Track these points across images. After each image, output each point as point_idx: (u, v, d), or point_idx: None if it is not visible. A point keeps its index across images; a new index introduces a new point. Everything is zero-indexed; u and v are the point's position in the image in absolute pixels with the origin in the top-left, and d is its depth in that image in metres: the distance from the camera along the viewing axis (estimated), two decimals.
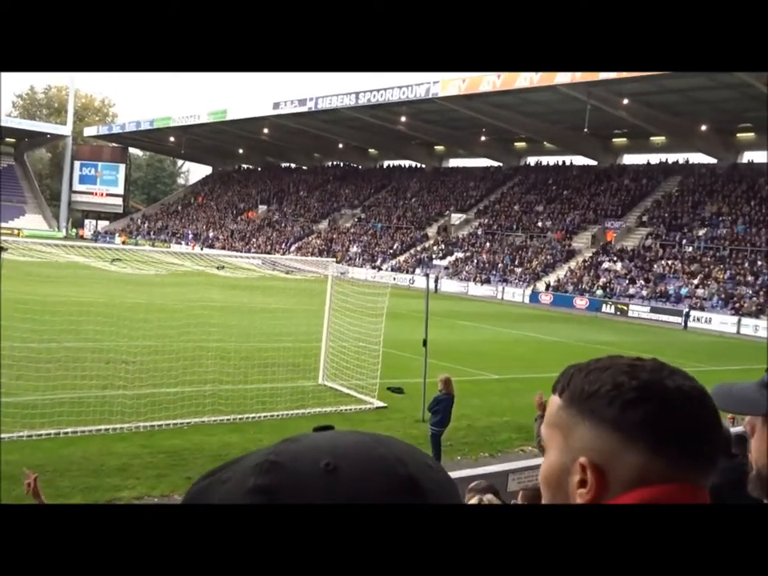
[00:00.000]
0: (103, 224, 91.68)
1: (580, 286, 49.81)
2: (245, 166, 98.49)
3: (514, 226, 60.49)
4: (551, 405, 1.12)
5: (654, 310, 44.63)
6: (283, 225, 76.79)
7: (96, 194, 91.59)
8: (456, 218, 64.91)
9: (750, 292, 43.60)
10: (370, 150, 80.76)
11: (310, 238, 71.39)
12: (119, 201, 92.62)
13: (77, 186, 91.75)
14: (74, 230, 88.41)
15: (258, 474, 0.71)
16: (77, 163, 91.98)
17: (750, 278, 44.85)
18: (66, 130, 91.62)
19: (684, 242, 50.69)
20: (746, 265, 46.26)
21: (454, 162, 77.33)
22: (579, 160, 66.18)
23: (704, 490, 1.03)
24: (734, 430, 5.06)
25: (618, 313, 45.31)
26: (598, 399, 1.04)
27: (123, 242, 72.01)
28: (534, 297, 49.91)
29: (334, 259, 21.69)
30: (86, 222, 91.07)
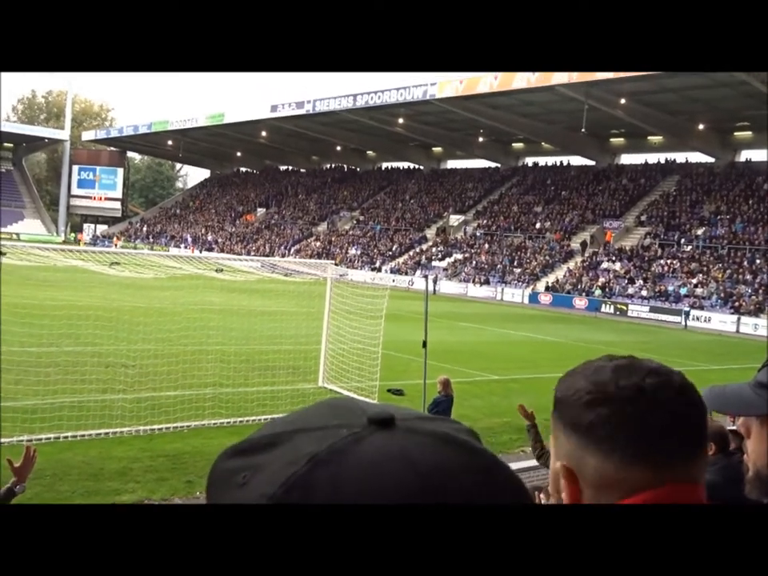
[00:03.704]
0: (102, 228, 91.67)
1: (579, 286, 49.82)
2: (243, 169, 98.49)
3: (513, 227, 60.51)
4: None
5: (653, 310, 44.63)
6: (282, 227, 76.80)
7: (94, 198, 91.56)
8: (454, 219, 64.93)
9: (749, 291, 43.61)
10: (368, 152, 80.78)
11: (309, 241, 71.38)
12: (118, 205, 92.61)
13: (75, 191, 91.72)
14: (73, 234, 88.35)
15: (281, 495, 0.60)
16: (75, 167, 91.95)
17: (748, 277, 44.87)
18: (64, 134, 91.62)
19: (683, 241, 50.71)
20: (745, 263, 46.28)
21: (452, 164, 77.37)
22: (577, 160, 66.22)
23: (689, 486, 1.03)
24: (732, 427, 5.05)
25: (618, 312, 45.31)
26: (565, 404, 1.08)
27: (115, 245, 71.94)
28: (534, 297, 49.91)
29: (333, 261, 21.69)
30: (85, 226, 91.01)
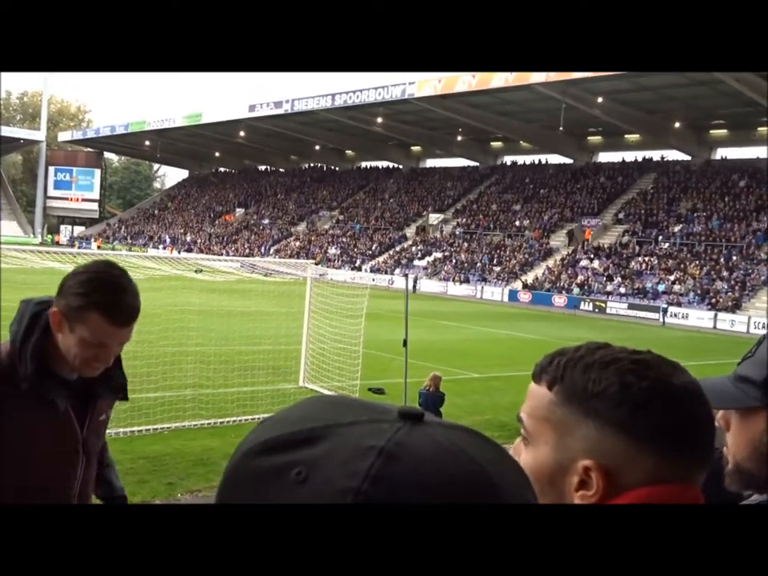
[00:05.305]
0: (79, 229, 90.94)
1: (558, 284, 50.08)
2: (221, 169, 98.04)
3: (492, 225, 60.72)
4: (537, 396, 1.07)
5: (631, 307, 44.94)
6: (261, 227, 76.57)
7: (71, 199, 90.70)
8: (434, 218, 65.04)
9: (726, 287, 44.04)
10: (347, 151, 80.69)
11: (289, 240, 71.22)
12: (95, 206, 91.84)
13: (52, 192, 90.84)
14: (50, 236, 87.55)
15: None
16: (51, 168, 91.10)
17: (725, 274, 45.31)
18: (40, 135, 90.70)
19: (660, 238, 51.12)
20: (722, 260, 46.73)
21: (431, 163, 77.46)
22: (555, 159, 66.54)
23: (698, 490, 1.02)
24: None
25: (597, 310, 45.58)
26: (604, 400, 1.00)
27: (98, 247, 71.33)
28: (513, 295, 50.10)
29: (313, 261, 21.66)
30: (62, 227, 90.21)
